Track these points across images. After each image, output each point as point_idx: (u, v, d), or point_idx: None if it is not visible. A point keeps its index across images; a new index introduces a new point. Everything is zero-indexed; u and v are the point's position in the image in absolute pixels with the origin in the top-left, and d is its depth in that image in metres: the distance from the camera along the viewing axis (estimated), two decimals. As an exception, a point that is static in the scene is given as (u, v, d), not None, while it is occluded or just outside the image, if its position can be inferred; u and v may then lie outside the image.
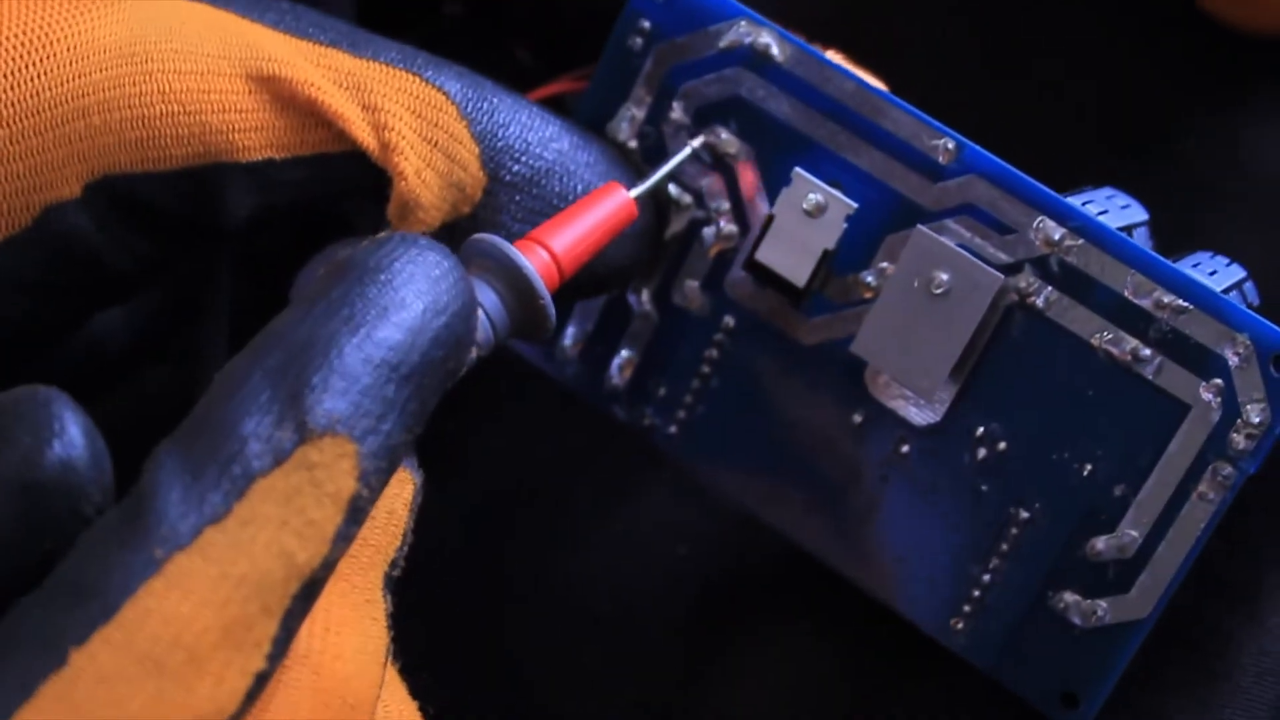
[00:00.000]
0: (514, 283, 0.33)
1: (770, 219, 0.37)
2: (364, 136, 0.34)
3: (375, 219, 0.36)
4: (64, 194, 0.34)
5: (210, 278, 0.39)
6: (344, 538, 0.29)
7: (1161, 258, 0.35)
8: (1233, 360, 0.34)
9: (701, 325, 0.38)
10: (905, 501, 0.37)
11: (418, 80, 0.35)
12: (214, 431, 0.29)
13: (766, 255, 0.37)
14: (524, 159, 0.35)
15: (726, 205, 0.37)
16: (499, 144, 0.35)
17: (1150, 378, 0.35)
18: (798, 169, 0.36)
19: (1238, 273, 0.37)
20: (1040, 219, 0.35)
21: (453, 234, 0.35)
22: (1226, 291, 0.36)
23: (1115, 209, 0.37)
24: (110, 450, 0.29)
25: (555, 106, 0.38)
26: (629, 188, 0.36)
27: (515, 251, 0.33)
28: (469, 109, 0.35)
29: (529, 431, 0.42)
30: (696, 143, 0.37)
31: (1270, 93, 0.41)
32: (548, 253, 0.34)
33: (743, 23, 0.37)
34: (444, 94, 0.35)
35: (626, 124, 0.38)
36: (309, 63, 0.34)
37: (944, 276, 0.35)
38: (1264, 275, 0.37)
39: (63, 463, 0.29)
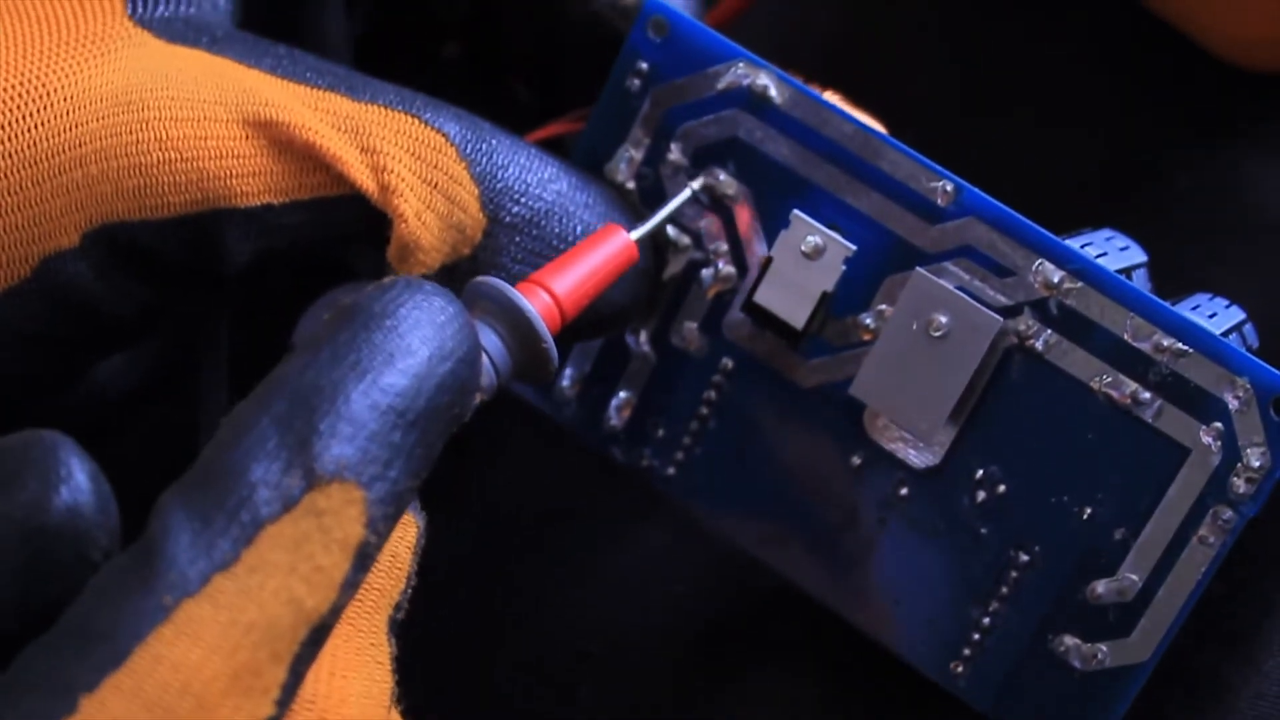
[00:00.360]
0: (516, 326, 0.33)
1: (768, 261, 0.36)
2: (363, 179, 0.34)
3: (375, 262, 0.35)
4: (63, 244, 0.34)
5: (211, 321, 0.39)
6: (352, 584, 0.29)
7: (1161, 300, 0.35)
8: (1233, 404, 0.34)
9: (700, 367, 0.38)
10: (904, 544, 0.37)
11: (416, 122, 0.35)
12: (222, 478, 0.29)
13: (765, 297, 0.37)
14: (524, 200, 0.35)
15: (725, 247, 0.37)
16: (498, 185, 0.35)
17: (1150, 421, 0.35)
18: (796, 211, 0.36)
19: (1237, 315, 0.37)
20: (1039, 261, 0.35)
21: (453, 275, 0.35)
22: (1226, 334, 0.36)
23: (1114, 251, 0.37)
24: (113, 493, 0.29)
25: (555, 148, 0.38)
26: (629, 229, 0.36)
27: (517, 294, 0.33)
28: (468, 150, 0.35)
29: (527, 469, 0.42)
30: (696, 184, 0.37)
31: (1269, 130, 0.40)
32: (549, 295, 0.34)
33: (740, 64, 0.37)
34: (443, 135, 0.35)
35: (624, 165, 0.38)
36: (306, 107, 0.34)
37: (943, 319, 0.35)
38: (1264, 315, 0.37)
39: (70, 508, 0.29)
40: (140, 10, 0.35)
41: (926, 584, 0.36)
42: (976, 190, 0.36)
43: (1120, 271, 0.36)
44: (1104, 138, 0.40)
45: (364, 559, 0.29)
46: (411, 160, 0.35)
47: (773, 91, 0.37)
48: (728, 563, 0.39)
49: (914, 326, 0.35)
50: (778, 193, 0.37)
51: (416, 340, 0.30)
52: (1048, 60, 0.43)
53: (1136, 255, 0.37)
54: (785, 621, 0.39)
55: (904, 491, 0.36)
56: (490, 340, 0.33)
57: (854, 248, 0.36)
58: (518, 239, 0.35)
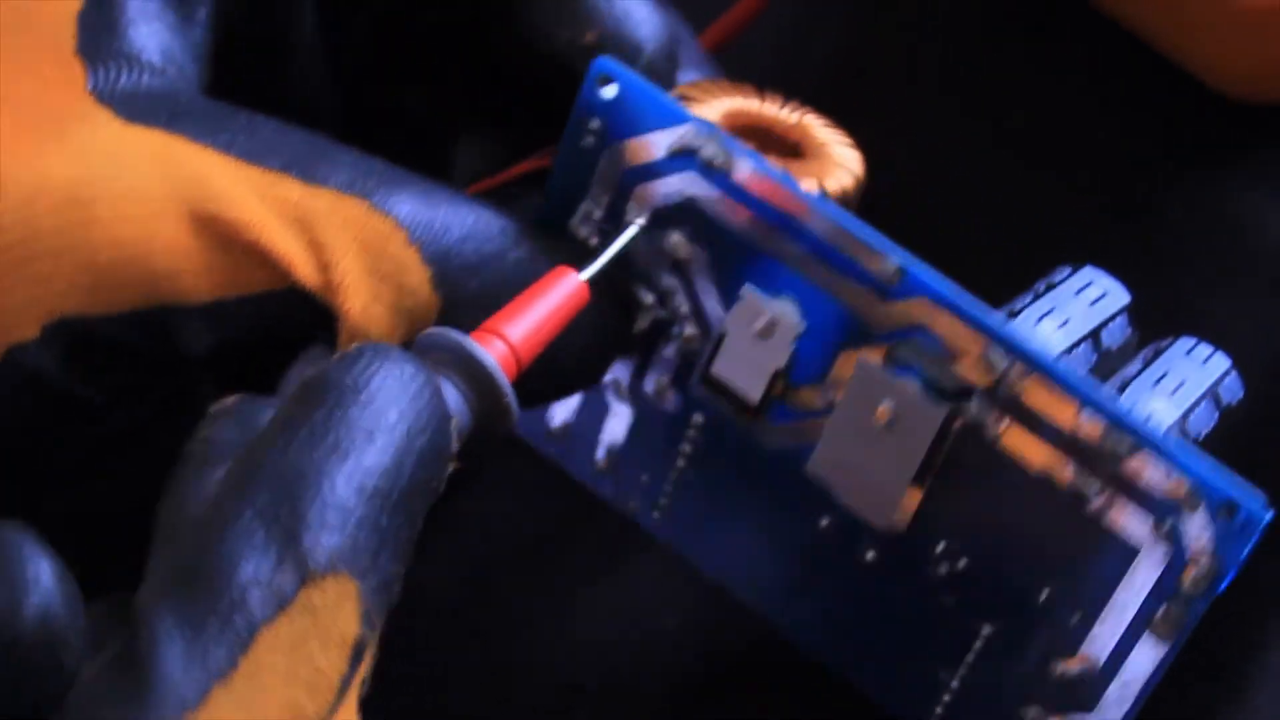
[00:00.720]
0: (475, 378, 0.33)
1: (722, 336, 0.36)
2: (308, 275, 0.34)
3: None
4: (25, 335, 0.35)
5: (191, 395, 0.40)
6: (348, 683, 0.29)
7: (1106, 398, 0.33)
8: (1181, 506, 0.33)
9: (674, 419, 0.38)
10: (875, 602, 0.36)
11: (365, 208, 0.35)
12: (210, 580, 0.28)
13: (722, 370, 0.36)
14: (481, 273, 0.35)
15: (687, 308, 0.37)
16: (453, 264, 0.35)
17: (1099, 515, 0.34)
18: (746, 287, 0.35)
19: (1217, 369, 0.35)
20: (987, 345, 0.34)
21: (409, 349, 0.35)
22: (1198, 402, 0.34)
23: (1083, 308, 0.35)
24: (80, 541, 0.30)
25: (531, 181, 0.37)
26: (594, 289, 0.35)
27: (475, 344, 0.33)
28: (418, 233, 0.35)
29: (515, 501, 0.43)
30: (641, 220, 0.36)
31: (1261, 159, 0.38)
32: (504, 342, 0.33)
33: (688, 128, 0.35)
34: (393, 220, 0.35)
35: (586, 222, 0.37)
36: (256, 196, 0.34)
37: (889, 407, 0.34)
38: (1256, 345, 0.35)
39: (42, 614, 0.28)
40: (102, 83, 0.35)
41: (898, 641, 0.36)
42: (923, 271, 0.34)
43: (1089, 333, 0.35)
44: (1097, 168, 0.38)
45: (359, 656, 0.29)
46: (359, 251, 0.34)
47: (719, 160, 0.35)
48: (720, 595, 0.39)
49: (862, 413, 0.35)
50: (732, 258, 0.36)
51: (394, 414, 0.30)
52: (1042, 89, 0.41)
53: (1113, 303, 0.36)
54: (777, 654, 0.40)
55: (870, 555, 0.36)
56: (451, 396, 0.33)
57: (803, 327, 0.35)
58: (476, 314, 0.35)
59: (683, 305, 0.37)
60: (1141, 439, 0.33)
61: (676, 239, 0.36)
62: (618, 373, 0.38)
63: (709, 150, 0.35)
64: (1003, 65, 0.41)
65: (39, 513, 0.31)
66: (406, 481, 0.30)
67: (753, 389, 0.36)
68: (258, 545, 0.28)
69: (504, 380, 0.32)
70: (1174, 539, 0.33)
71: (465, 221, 0.35)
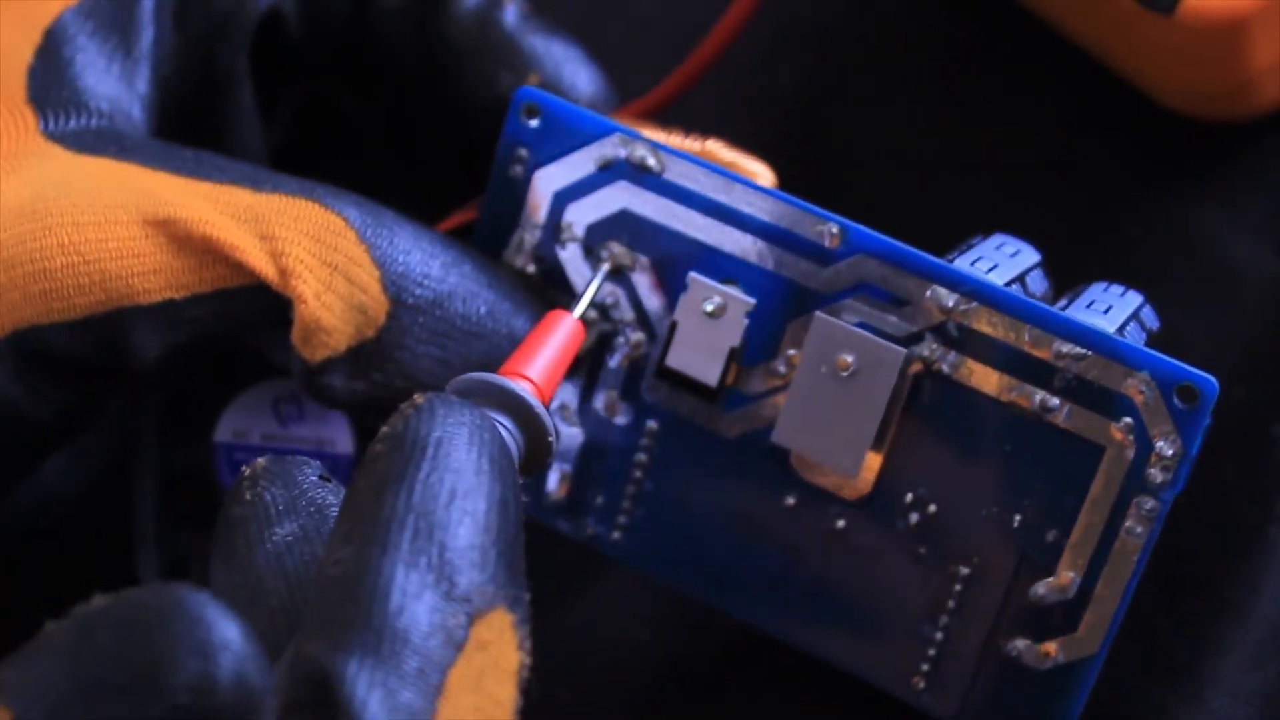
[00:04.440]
0: (521, 416, 0.34)
1: (674, 325, 0.37)
2: (261, 265, 0.35)
3: (287, 349, 0.36)
4: None
5: (136, 421, 0.40)
6: (518, 709, 0.29)
7: (1052, 309, 0.35)
8: (1137, 398, 0.35)
9: (626, 432, 0.39)
10: (851, 572, 0.38)
11: (316, 207, 0.36)
12: (393, 633, 0.28)
13: (676, 360, 0.38)
14: (426, 283, 0.36)
15: (631, 315, 0.38)
16: (399, 269, 0.36)
17: (1062, 425, 0.36)
18: (693, 274, 0.37)
19: (1134, 300, 0.38)
20: (931, 288, 0.36)
21: (358, 358, 0.36)
22: (1125, 324, 0.37)
23: (1005, 259, 0.38)
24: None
25: (461, 235, 0.39)
26: (538, 307, 0.37)
27: (517, 385, 0.34)
28: (368, 234, 0.36)
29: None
30: (606, 265, 0.38)
31: (1219, 178, 0.41)
32: (529, 383, 0.35)
33: (615, 138, 0.38)
34: (343, 219, 0.36)
35: (520, 250, 0.38)
36: (206, 202, 0.36)
37: (849, 358, 0.36)
38: (1214, 362, 0.37)
39: (238, 679, 0.27)
40: (52, 125, 0.37)
41: (878, 607, 0.38)
42: (862, 228, 0.36)
43: (1015, 278, 0.37)
44: (1058, 186, 0.41)
45: (522, 681, 0.30)
46: (311, 244, 0.35)
47: (650, 161, 0.37)
48: (690, 606, 0.40)
49: (822, 369, 0.36)
50: (673, 255, 0.38)
51: (485, 459, 0.31)
52: (1005, 111, 0.43)
53: (1029, 257, 0.38)
54: (750, 660, 0.40)
55: (841, 524, 0.37)
56: (505, 435, 0.34)
57: (753, 301, 0.37)
58: (422, 319, 0.36)
59: (626, 314, 0.38)
60: (1091, 342, 0.35)
61: (617, 249, 0.38)
62: (564, 397, 0.39)
63: (639, 153, 0.37)
64: (967, 88, 0.44)
65: None
66: (513, 514, 0.31)
67: (710, 371, 0.37)
68: (424, 597, 0.29)
69: (546, 416, 0.34)
70: (1136, 431, 0.35)
71: (411, 233, 0.36)
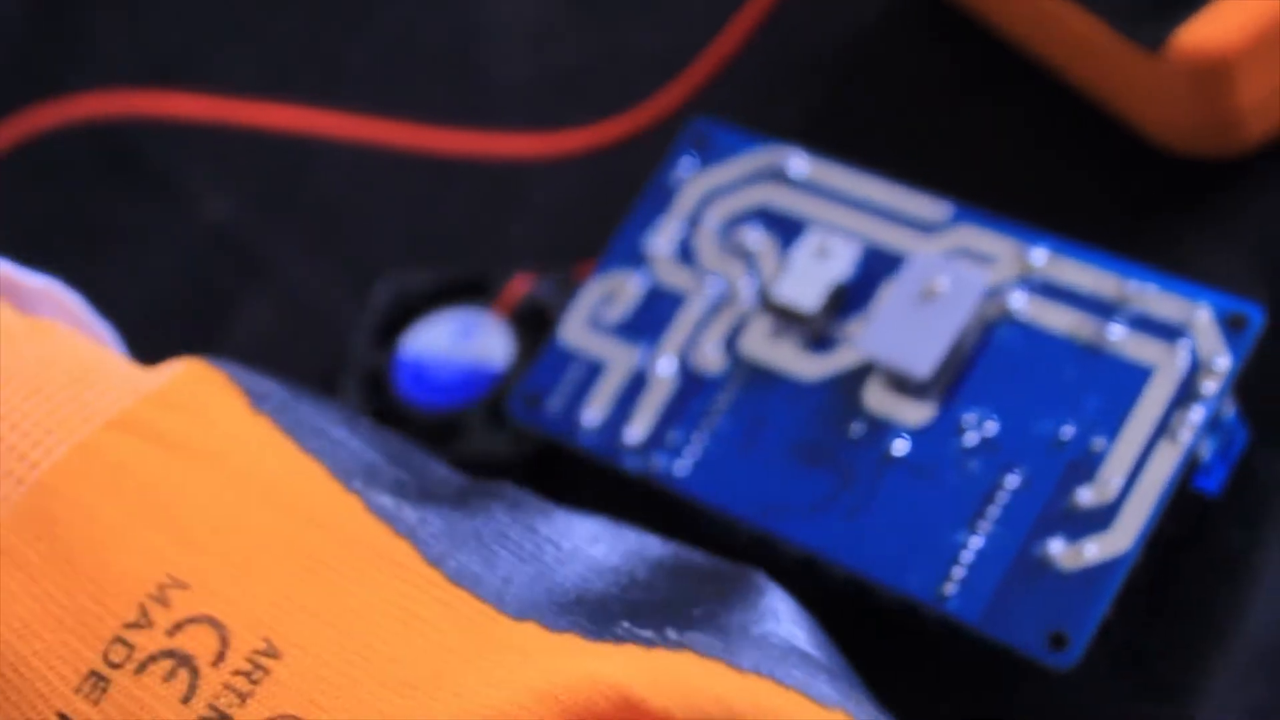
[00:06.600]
0: None
1: (787, 260, 0.42)
2: None
3: None
4: None
5: None
6: None
7: (1118, 257, 0.40)
8: (1193, 325, 0.39)
9: (715, 382, 0.42)
10: (898, 490, 0.39)
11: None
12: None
13: (781, 292, 0.42)
14: None
15: (752, 289, 0.43)
16: None
17: (1123, 351, 0.39)
18: (813, 226, 0.42)
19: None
20: (1019, 246, 0.41)
21: None
22: None
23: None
24: None
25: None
26: None
27: None
28: None
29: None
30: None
31: (1209, 212, 0.43)
32: None
33: (770, 149, 0.44)
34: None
35: (663, 240, 0.44)
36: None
37: (939, 279, 0.40)
38: None
39: None
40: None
41: (918, 520, 0.39)
42: (967, 206, 0.42)
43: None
44: (1048, 221, 0.42)
45: None
46: None
47: (794, 164, 0.44)
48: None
49: (913, 290, 0.41)
50: (794, 237, 0.43)
51: None
52: (995, 148, 0.46)
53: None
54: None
55: (899, 447, 0.40)
56: None
57: (863, 246, 0.42)
58: None
59: (745, 288, 0.43)
60: (1155, 279, 0.39)
61: (753, 235, 0.43)
62: (667, 353, 0.43)
63: (788, 159, 0.44)
64: (958, 126, 0.46)
65: None
66: None
67: (811, 302, 0.41)
68: None
69: None
70: (1191, 350, 0.38)
71: None
